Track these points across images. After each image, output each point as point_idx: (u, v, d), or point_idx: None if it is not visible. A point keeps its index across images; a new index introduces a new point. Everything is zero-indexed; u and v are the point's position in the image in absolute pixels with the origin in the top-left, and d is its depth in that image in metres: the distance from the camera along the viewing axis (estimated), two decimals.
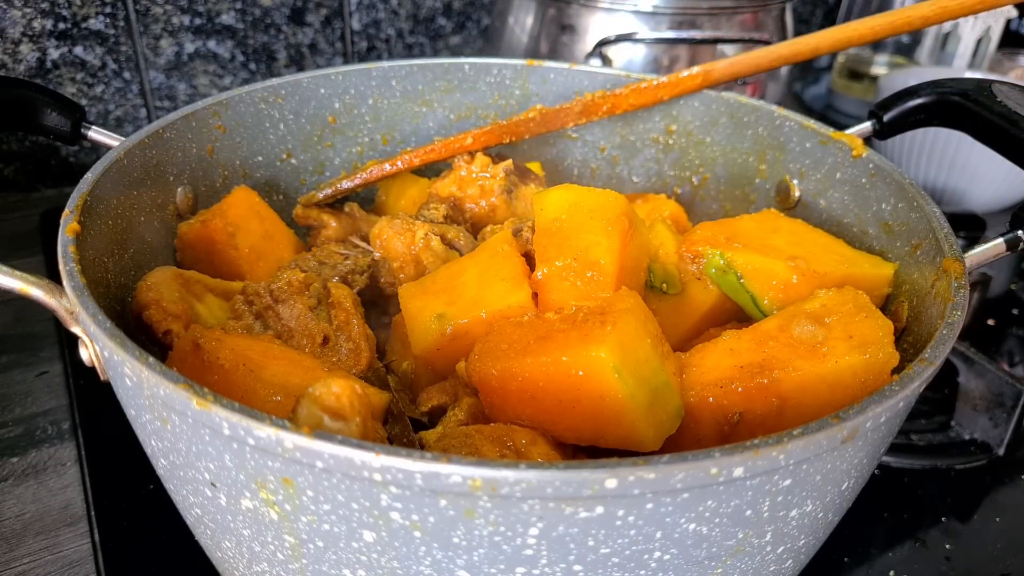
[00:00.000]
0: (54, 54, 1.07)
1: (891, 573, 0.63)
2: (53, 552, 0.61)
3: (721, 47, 1.04)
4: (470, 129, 0.77)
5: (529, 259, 0.56)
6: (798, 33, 1.29)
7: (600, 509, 0.34)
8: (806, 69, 1.65)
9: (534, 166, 0.76)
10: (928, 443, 0.75)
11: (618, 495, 0.33)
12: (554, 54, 1.07)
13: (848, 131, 0.67)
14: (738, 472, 0.34)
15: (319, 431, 0.33)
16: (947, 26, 1.36)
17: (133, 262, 0.58)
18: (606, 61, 1.00)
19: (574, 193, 0.55)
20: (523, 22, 1.10)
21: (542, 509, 0.34)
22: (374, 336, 0.59)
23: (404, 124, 0.83)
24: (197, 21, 1.13)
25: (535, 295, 0.53)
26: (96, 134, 0.64)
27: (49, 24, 1.04)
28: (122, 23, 1.09)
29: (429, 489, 0.33)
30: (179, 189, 0.66)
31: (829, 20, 1.56)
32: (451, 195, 0.69)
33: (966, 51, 1.35)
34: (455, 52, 1.35)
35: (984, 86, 0.59)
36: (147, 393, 0.39)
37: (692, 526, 0.36)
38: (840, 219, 0.66)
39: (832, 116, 1.47)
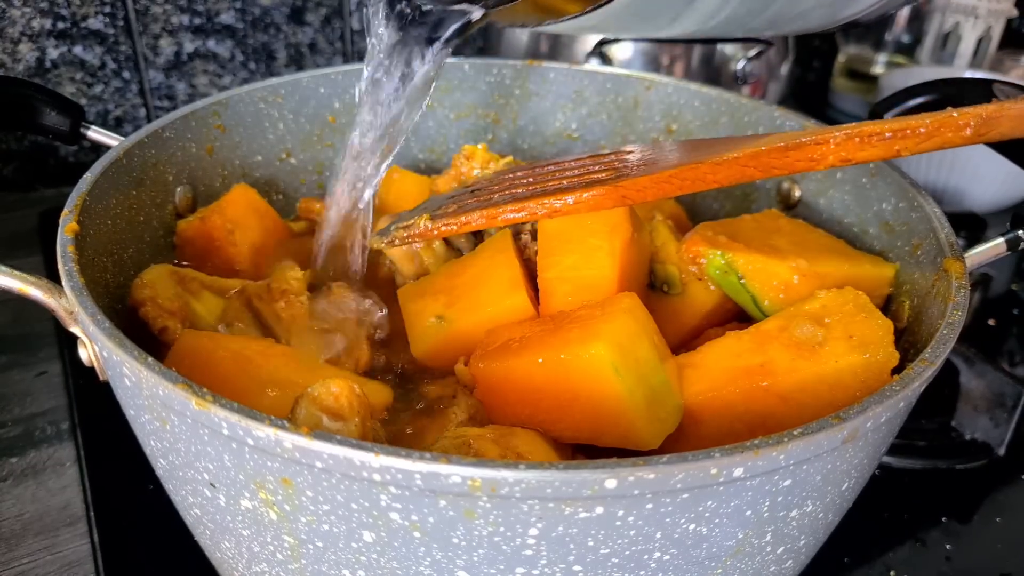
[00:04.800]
0: (53, 54, 1.06)
1: (891, 573, 0.63)
2: (52, 552, 0.61)
3: (721, 46, 1.04)
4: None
5: (529, 262, 0.56)
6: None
7: (600, 509, 0.34)
8: (807, 68, 1.64)
9: None
10: (928, 443, 0.74)
11: (618, 495, 0.33)
12: (554, 54, 1.07)
13: None
14: (738, 472, 0.34)
15: (318, 431, 0.33)
16: (948, 25, 1.36)
17: (132, 262, 0.58)
18: (606, 60, 1.00)
19: None
20: None
21: (542, 509, 0.34)
22: (374, 334, 0.59)
23: None
24: (196, 21, 1.13)
25: (535, 297, 0.53)
26: (95, 134, 0.63)
27: (48, 24, 1.04)
28: (121, 23, 1.09)
29: (429, 489, 0.33)
30: (178, 189, 0.66)
31: None
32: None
33: (967, 51, 1.35)
34: (455, 52, 1.35)
35: (984, 86, 0.59)
36: (146, 393, 0.39)
37: (692, 526, 0.36)
38: (841, 219, 0.66)
39: (832, 116, 1.47)
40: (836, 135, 0.46)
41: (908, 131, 0.44)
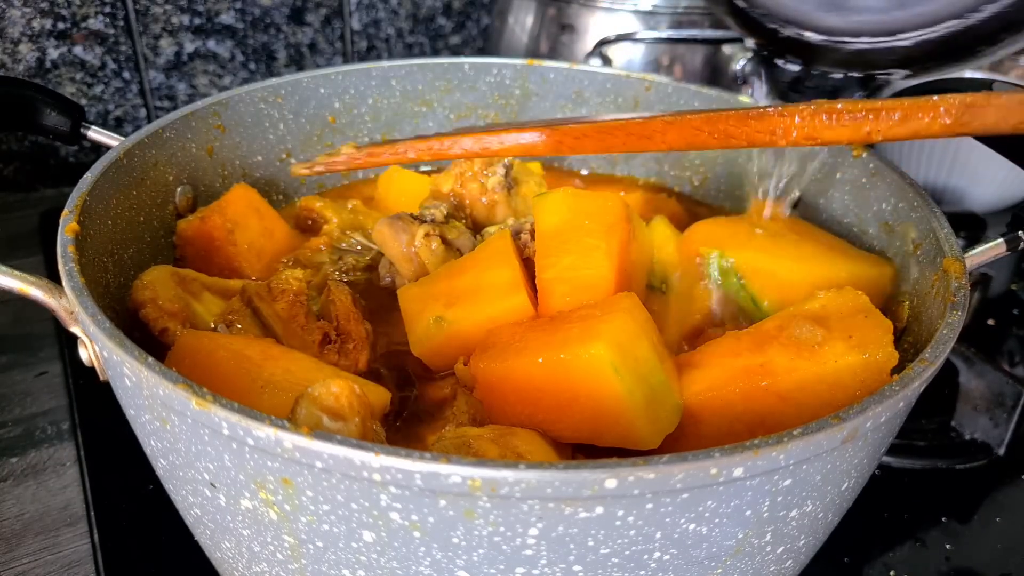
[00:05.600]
0: (53, 54, 1.06)
1: (891, 573, 0.63)
2: (53, 552, 0.61)
3: (721, 47, 1.04)
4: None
5: (529, 262, 0.56)
6: None
7: (600, 509, 0.34)
8: None
9: (534, 165, 0.76)
10: (928, 443, 0.74)
11: (618, 495, 0.33)
12: (554, 54, 1.07)
13: None
14: (738, 472, 0.34)
15: (318, 431, 0.33)
16: None
17: (133, 262, 0.58)
18: (606, 61, 1.00)
19: (573, 197, 0.55)
20: (523, 22, 1.10)
21: (542, 509, 0.34)
22: (374, 334, 0.59)
23: (404, 124, 0.83)
24: (197, 21, 1.13)
25: (535, 297, 0.53)
26: (95, 134, 0.64)
27: (48, 24, 1.04)
28: (122, 23, 1.09)
29: (429, 489, 0.33)
30: (178, 189, 0.66)
31: None
32: (452, 191, 0.69)
33: None
34: (455, 52, 1.35)
35: (984, 86, 0.59)
36: (146, 393, 0.39)
37: (692, 526, 0.36)
38: (841, 219, 0.66)
39: None
40: (804, 108, 0.41)
41: (882, 112, 0.40)
